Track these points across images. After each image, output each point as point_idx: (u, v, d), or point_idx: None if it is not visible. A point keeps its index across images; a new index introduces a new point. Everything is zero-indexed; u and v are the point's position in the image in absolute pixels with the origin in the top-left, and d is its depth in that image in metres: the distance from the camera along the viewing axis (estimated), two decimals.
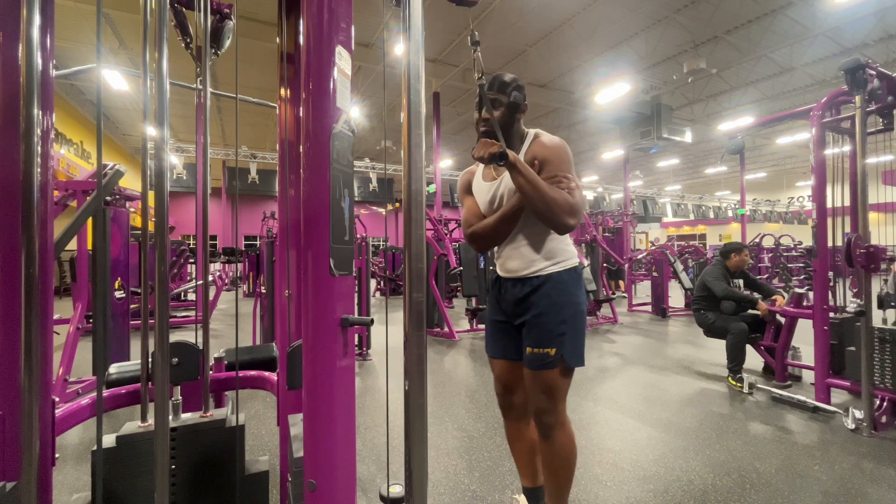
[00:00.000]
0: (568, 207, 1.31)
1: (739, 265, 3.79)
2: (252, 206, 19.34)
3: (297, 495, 0.96)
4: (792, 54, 10.29)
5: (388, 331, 1.40)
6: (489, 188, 1.53)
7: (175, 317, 6.81)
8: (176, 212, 18.87)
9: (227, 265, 12.67)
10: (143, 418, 1.36)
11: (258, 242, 14.91)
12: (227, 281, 8.19)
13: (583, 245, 6.85)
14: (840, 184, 3.01)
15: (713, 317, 3.65)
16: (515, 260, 1.49)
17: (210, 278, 3.45)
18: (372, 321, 0.93)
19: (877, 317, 2.71)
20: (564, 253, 1.48)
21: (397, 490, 0.87)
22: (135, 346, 3.54)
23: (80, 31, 8.78)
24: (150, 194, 1.19)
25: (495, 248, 1.58)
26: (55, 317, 3.35)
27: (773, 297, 3.53)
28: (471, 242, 1.56)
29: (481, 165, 1.63)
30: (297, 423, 1.09)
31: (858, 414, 2.57)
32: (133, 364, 1.68)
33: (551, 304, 1.42)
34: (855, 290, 3.18)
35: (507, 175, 1.46)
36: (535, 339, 1.42)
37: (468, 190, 1.63)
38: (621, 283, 9.67)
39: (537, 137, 1.49)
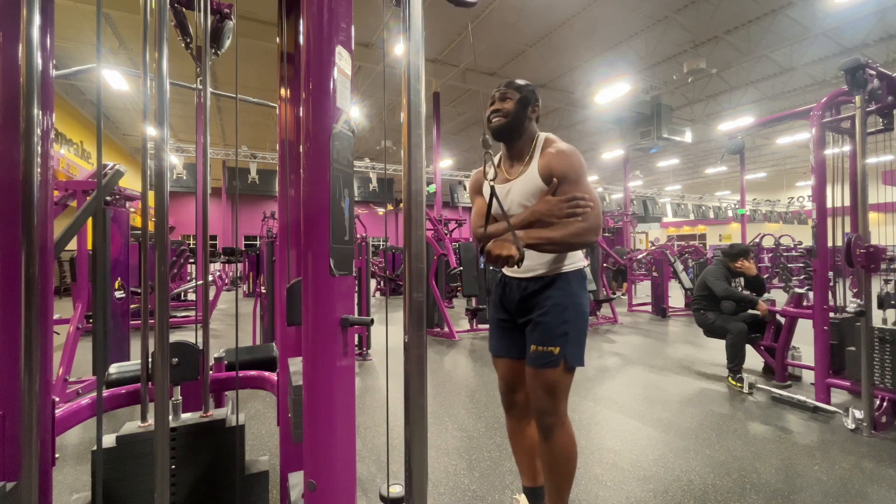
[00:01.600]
0: (585, 232, 1.35)
1: (739, 268, 3.79)
2: (252, 206, 19.34)
3: (297, 423, 0.97)
4: (792, 54, 10.29)
5: (388, 331, 1.40)
6: (500, 190, 1.54)
7: (175, 317, 6.81)
8: (176, 212, 18.87)
9: (227, 265, 12.67)
10: (143, 418, 1.36)
11: (258, 242, 14.92)
12: (227, 281, 8.19)
13: None
14: (840, 184, 3.01)
15: (713, 317, 3.65)
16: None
17: (210, 278, 3.45)
18: (372, 321, 0.93)
19: (877, 317, 2.71)
20: (571, 256, 1.49)
21: (397, 490, 0.87)
22: (135, 346, 3.54)
23: (80, 31, 8.78)
24: (150, 194, 1.19)
25: None
26: (55, 317, 3.35)
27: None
28: (478, 244, 1.57)
29: (494, 164, 1.64)
30: (296, 363, 1.12)
31: (858, 414, 2.57)
32: (133, 364, 1.68)
33: (555, 304, 1.44)
34: (855, 290, 3.18)
35: (516, 182, 1.49)
36: (539, 338, 1.44)
37: (479, 191, 1.64)
38: (624, 284, 9.68)
39: (549, 144, 1.49)
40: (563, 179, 1.39)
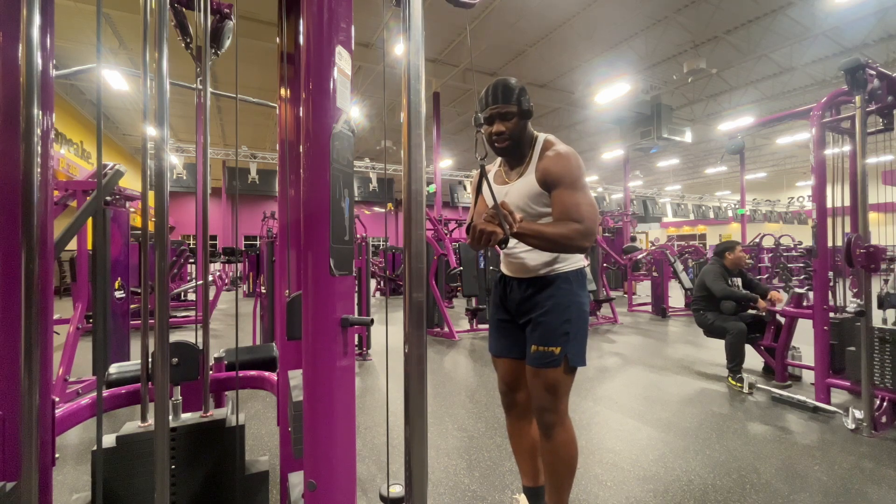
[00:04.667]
0: (579, 236, 1.31)
1: (736, 263, 3.79)
2: (252, 206, 19.33)
3: (297, 439, 0.98)
4: (792, 54, 10.28)
5: (388, 331, 1.41)
6: (497, 192, 1.53)
7: (175, 317, 6.81)
8: (176, 212, 18.86)
9: (227, 265, 12.67)
10: (143, 418, 1.36)
11: (258, 242, 14.91)
12: (227, 281, 8.19)
13: None
14: (840, 184, 3.01)
15: (713, 317, 3.65)
16: (522, 261, 1.51)
17: (210, 278, 3.44)
18: (372, 321, 0.92)
19: (877, 317, 2.71)
20: (572, 256, 1.49)
21: (397, 490, 0.87)
22: (135, 346, 3.54)
23: (80, 31, 8.77)
24: (150, 194, 1.19)
25: (502, 251, 1.59)
26: (55, 317, 3.35)
27: (770, 297, 3.53)
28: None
29: (495, 166, 1.64)
30: (296, 377, 1.13)
31: (858, 414, 2.57)
32: (133, 364, 1.68)
33: (556, 303, 1.44)
34: (855, 290, 3.18)
35: (514, 185, 1.48)
36: (540, 338, 1.44)
37: (479, 189, 1.64)
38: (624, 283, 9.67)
39: (548, 147, 1.47)
40: (560, 183, 1.38)
